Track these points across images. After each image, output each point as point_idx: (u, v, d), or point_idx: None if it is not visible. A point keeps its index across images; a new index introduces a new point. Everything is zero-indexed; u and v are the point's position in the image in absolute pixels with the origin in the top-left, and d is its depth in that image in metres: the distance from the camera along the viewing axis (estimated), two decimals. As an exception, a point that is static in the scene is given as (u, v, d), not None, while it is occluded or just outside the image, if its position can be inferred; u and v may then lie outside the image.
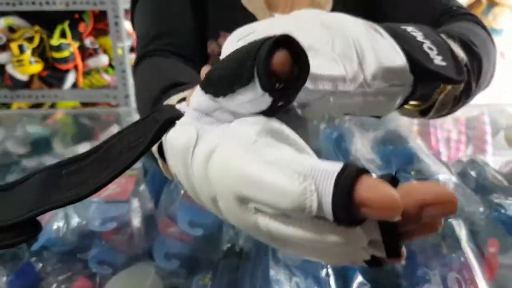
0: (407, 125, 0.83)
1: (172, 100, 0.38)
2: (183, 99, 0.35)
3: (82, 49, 1.78)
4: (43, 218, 0.59)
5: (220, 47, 0.76)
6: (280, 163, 0.21)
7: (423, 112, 0.43)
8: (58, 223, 0.54)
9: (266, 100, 0.23)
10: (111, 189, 0.53)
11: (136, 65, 0.60)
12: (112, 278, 0.56)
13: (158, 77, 0.51)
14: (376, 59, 0.30)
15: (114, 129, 0.99)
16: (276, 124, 0.24)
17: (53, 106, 1.92)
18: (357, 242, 0.20)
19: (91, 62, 1.80)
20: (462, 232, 0.47)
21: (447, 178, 0.55)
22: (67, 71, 1.77)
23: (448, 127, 1.62)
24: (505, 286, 0.45)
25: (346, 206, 0.18)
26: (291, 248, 0.23)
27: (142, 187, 0.56)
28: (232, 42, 0.30)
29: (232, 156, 0.22)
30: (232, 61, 0.25)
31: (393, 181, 0.20)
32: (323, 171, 0.19)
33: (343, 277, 0.49)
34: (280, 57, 0.23)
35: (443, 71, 0.32)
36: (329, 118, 0.72)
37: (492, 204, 0.52)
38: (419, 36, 0.34)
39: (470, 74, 0.40)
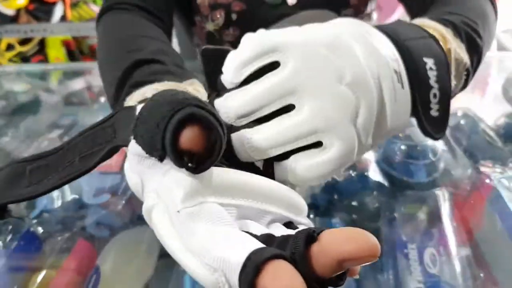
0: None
1: (133, 99, 0.38)
2: (144, 100, 0.36)
3: (68, -20, 1.69)
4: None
5: (208, -4, 0.72)
6: (195, 249, 0.21)
7: None
8: (52, 194, 0.56)
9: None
10: (103, 161, 0.54)
11: (99, 17, 0.57)
12: (111, 240, 0.59)
13: (122, 47, 0.48)
14: (389, 126, 0.31)
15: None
16: (207, 178, 0.24)
17: (43, 40, 1.87)
18: None
19: (78, -7, 1.72)
20: (445, 204, 0.49)
21: (435, 144, 0.55)
22: (54, 3, 1.70)
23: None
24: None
25: None
26: None
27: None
28: (240, 66, 0.31)
29: (161, 228, 0.23)
30: (148, 123, 0.24)
31: (310, 238, 0.20)
32: (229, 264, 0.19)
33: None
34: (188, 136, 0.22)
35: (430, 127, 0.35)
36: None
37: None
38: (433, 78, 0.34)
39: (469, 75, 0.40)
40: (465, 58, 0.39)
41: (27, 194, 0.29)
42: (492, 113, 0.74)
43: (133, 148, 0.26)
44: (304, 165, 0.29)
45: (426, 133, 0.35)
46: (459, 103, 0.78)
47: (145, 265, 0.56)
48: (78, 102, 1.05)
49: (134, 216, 0.59)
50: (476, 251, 0.48)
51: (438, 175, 0.54)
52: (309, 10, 0.73)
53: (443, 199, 0.50)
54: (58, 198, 0.57)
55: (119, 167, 0.56)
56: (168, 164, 0.24)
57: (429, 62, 0.34)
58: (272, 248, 0.20)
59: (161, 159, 0.24)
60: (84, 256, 0.58)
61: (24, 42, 1.87)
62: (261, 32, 0.32)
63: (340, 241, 0.19)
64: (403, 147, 0.55)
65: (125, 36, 0.50)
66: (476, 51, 0.41)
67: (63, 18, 1.74)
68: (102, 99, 0.89)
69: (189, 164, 0.23)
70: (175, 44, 0.88)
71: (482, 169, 0.52)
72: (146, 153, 0.24)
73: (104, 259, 0.55)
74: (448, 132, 0.65)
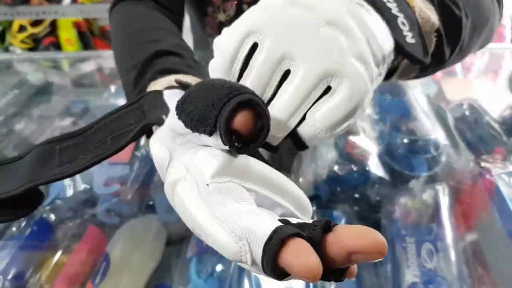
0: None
1: (158, 85, 0.39)
2: (170, 86, 0.36)
3: (79, -38, 1.69)
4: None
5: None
6: (222, 217, 0.23)
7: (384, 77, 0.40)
8: (64, 183, 0.58)
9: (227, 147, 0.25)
10: (112, 151, 0.56)
11: (112, 7, 0.58)
12: (120, 228, 0.61)
13: (140, 37, 0.49)
14: (381, 50, 0.31)
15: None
16: (236, 162, 0.26)
17: (54, 22, 1.88)
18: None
19: (89, -24, 1.72)
20: (444, 198, 0.50)
21: (438, 138, 0.55)
22: (65, -15, 1.69)
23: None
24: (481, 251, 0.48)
25: (272, 268, 0.20)
26: None
27: (141, 151, 0.58)
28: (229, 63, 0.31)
29: (187, 198, 0.25)
30: (201, 102, 0.26)
31: (327, 227, 0.22)
32: (254, 235, 0.21)
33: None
34: (242, 118, 0.24)
35: (413, 51, 0.33)
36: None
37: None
38: (394, 8, 0.34)
39: (443, 40, 0.38)
40: (433, 18, 0.37)
41: (59, 174, 0.29)
42: (500, 105, 0.74)
43: (172, 124, 0.27)
44: (320, 114, 0.29)
45: (412, 58, 0.33)
46: (467, 93, 0.78)
47: (152, 252, 0.59)
48: (89, 84, 1.06)
49: (143, 205, 0.61)
50: (475, 246, 0.49)
51: (439, 169, 0.54)
52: None
53: (443, 193, 0.51)
54: (70, 187, 0.59)
55: (129, 158, 0.57)
56: (199, 146, 0.26)
57: None
58: (295, 227, 0.22)
59: (210, 133, 0.25)
60: (94, 242, 0.60)
61: (35, 23, 1.88)
62: (224, 31, 0.33)
63: (354, 235, 0.21)
64: (405, 140, 0.56)
65: (141, 27, 0.51)
66: (450, 18, 0.39)
67: (75, 0, 1.75)
68: (112, 87, 0.90)
69: (236, 144, 0.24)
70: (187, 33, 0.88)
71: (483, 164, 0.53)
72: (190, 129, 0.26)
73: (114, 246, 0.57)
74: (451, 123, 0.66)
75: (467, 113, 0.69)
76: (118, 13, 0.57)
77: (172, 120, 0.28)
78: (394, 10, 0.34)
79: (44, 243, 0.59)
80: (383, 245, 0.20)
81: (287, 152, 0.60)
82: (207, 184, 0.24)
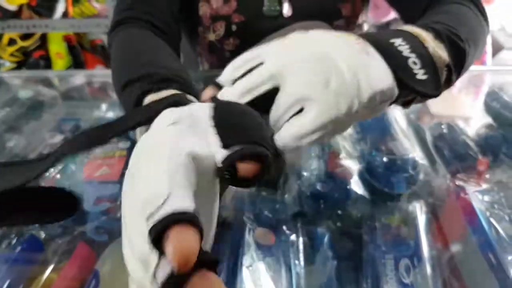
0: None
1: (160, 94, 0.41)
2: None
3: (70, -23, 1.71)
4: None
5: (212, 8, 0.75)
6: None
7: (404, 104, 0.45)
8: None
9: None
10: (102, 170, 0.57)
11: (111, 31, 0.60)
12: (109, 245, 0.62)
13: (136, 64, 0.51)
14: (370, 87, 0.34)
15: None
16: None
17: (44, 35, 1.89)
18: None
19: (80, -9, 1.73)
20: (421, 217, 0.52)
21: (416, 157, 0.58)
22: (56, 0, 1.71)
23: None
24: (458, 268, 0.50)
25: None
26: None
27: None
28: (232, 70, 0.36)
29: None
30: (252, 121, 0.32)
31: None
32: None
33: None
34: (246, 167, 0.27)
35: (422, 88, 0.37)
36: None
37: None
38: (406, 51, 0.38)
39: (452, 72, 0.43)
40: (444, 55, 0.41)
41: (53, 159, 0.32)
42: (477, 123, 0.77)
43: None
44: (289, 127, 0.34)
45: (420, 93, 0.38)
46: (451, 108, 0.81)
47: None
48: (79, 98, 1.08)
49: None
50: (451, 261, 0.51)
51: (417, 187, 0.57)
52: (303, 22, 0.75)
53: (421, 211, 0.53)
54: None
55: (118, 176, 0.59)
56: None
57: (397, 41, 0.38)
58: None
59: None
60: (84, 259, 0.61)
61: (25, 37, 1.89)
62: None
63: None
64: (385, 159, 0.58)
65: (140, 49, 0.53)
66: (459, 53, 0.44)
67: (65, 14, 1.76)
68: (103, 104, 0.92)
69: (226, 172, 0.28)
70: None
71: (458, 182, 0.55)
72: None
73: (103, 263, 0.59)
74: (430, 141, 0.68)
75: (445, 131, 0.73)
76: (117, 36, 0.59)
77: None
78: (406, 52, 0.38)
79: (34, 260, 0.60)
80: None
81: (273, 169, 0.63)
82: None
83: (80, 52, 1.99)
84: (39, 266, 0.59)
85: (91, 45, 2.04)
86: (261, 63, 0.35)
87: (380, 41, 0.37)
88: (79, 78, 1.15)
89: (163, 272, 0.22)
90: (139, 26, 0.60)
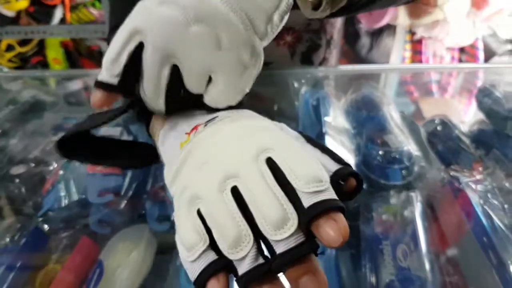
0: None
1: None
2: None
3: (68, -17, 1.73)
4: (44, 187, 0.66)
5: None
6: None
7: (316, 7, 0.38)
8: (59, 194, 0.60)
9: None
10: (105, 163, 0.59)
11: (109, 36, 0.62)
12: (112, 237, 0.63)
13: None
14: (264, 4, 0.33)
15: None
16: None
17: (42, 41, 1.90)
18: None
19: (78, -3, 1.76)
20: (417, 205, 0.54)
21: (410, 149, 0.60)
22: (54, 6, 1.73)
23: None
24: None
25: None
26: None
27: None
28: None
29: None
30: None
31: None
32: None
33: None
34: (352, 183, 0.30)
35: None
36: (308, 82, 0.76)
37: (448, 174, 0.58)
38: None
39: None
40: None
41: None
42: (470, 121, 0.79)
43: None
44: (209, 96, 0.36)
45: None
46: (443, 111, 0.83)
47: (144, 260, 0.61)
48: (76, 103, 1.09)
49: (135, 214, 0.63)
50: (446, 247, 0.53)
51: (412, 178, 0.58)
52: None
53: (416, 200, 0.55)
54: (64, 198, 0.61)
55: (121, 169, 0.60)
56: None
57: None
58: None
59: None
60: (87, 252, 0.62)
61: (23, 43, 1.90)
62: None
63: None
64: (380, 152, 0.60)
65: None
66: None
67: (63, 20, 1.78)
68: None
69: None
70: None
71: (452, 173, 0.57)
72: None
73: (107, 254, 0.60)
74: (424, 137, 0.71)
75: (438, 128, 0.75)
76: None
77: None
78: None
79: (38, 252, 0.61)
80: None
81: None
82: None
83: (77, 58, 2.01)
84: (43, 258, 0.60)
85: (88, 51, 2.06)
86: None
87: None
88: (76, 83, 1.17)
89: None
90: None
